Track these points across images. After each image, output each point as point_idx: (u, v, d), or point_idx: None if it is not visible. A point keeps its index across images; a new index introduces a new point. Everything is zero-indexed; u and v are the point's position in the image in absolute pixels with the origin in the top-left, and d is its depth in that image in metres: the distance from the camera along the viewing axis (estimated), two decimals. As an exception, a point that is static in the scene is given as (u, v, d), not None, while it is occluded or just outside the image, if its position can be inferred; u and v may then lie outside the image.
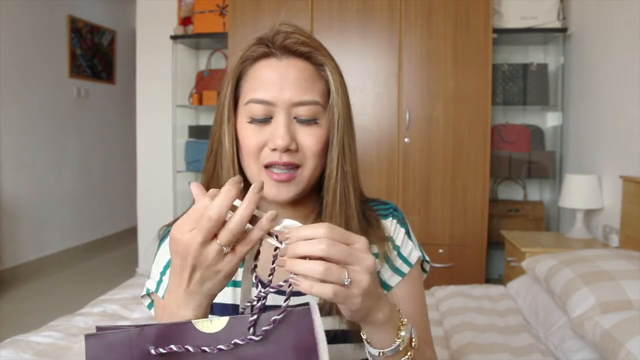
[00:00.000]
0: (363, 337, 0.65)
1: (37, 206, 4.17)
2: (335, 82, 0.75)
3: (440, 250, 2.90)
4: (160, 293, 0.80)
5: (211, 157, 0.78)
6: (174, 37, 3.43)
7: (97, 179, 4.98)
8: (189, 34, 3.42)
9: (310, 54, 0.74)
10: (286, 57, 0.73)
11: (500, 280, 3.01)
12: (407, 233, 0.85)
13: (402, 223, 0.85)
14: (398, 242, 0.83)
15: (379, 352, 0.63)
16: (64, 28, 4.46)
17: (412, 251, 0.83)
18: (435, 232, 2.92)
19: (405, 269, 0.82)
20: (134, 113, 3.76)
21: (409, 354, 0.65)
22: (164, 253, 0.82)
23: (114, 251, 4.82)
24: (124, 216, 5.23)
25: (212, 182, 0.78)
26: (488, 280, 3.04)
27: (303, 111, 0.73)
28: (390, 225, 0.84)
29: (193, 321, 0.55)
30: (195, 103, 3.45)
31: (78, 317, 1.79)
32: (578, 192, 2.52)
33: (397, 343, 0.63)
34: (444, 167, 2.93)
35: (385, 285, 0.81)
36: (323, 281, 0.53)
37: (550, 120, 3.26)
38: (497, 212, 3.11)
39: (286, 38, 0.73)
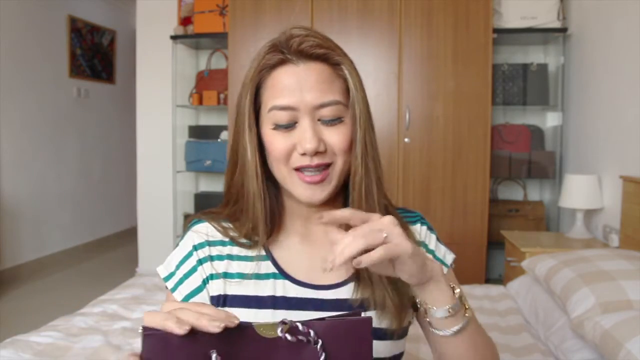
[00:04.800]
0: (425, 306, 0.68)
1: (37, 206, 4.17)
2: (353, 79, 0.76)
3: (440, 250, 2.90)
4: (170, 285, 0.80)
5: (237, 168, 0.78)
6: (174, 37, 3.43)
7: (97, 179, 4.98)
8: (189, 34, 3.42)
9: (326, 55, 0.74)
10: (303, 61, 0.73)
11: (500, 280, 3.01)
12: (437, 239, 0.87)
13: (432, 229, 0.87)
14: (432, 247, 0.85)
15: (448, 309, 0.67)
16: (64, 28, 4.46)
17: (446, 253, 0.86)
18: (435, 232, 2.92)
19: (444, 269, 0.83)
20: (134, 113, 3.76)
21: (467, 309, 0.69)
22: (185, 246, 0.82)
23: (114, 251, 4.81)
24: (124, 216, 5.23)
25: (231, 189, 0.79)
26: (488, 280, 3.04)
27: (326, 112, 0.73)
28: (420, 231, 0.85)
29: (254, 324, 0.55)
30: (195, 103, 3.45)
31: (78, 317, 1.79)
32: (578, 192, 2.52)
33: (457, 294, 0.68)
34: (444, 167, 2.93)
35: None
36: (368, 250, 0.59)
37: (550, 120, 3.26)
38: (497, 212, 3.11)
39: (301, 42, 0.73)
